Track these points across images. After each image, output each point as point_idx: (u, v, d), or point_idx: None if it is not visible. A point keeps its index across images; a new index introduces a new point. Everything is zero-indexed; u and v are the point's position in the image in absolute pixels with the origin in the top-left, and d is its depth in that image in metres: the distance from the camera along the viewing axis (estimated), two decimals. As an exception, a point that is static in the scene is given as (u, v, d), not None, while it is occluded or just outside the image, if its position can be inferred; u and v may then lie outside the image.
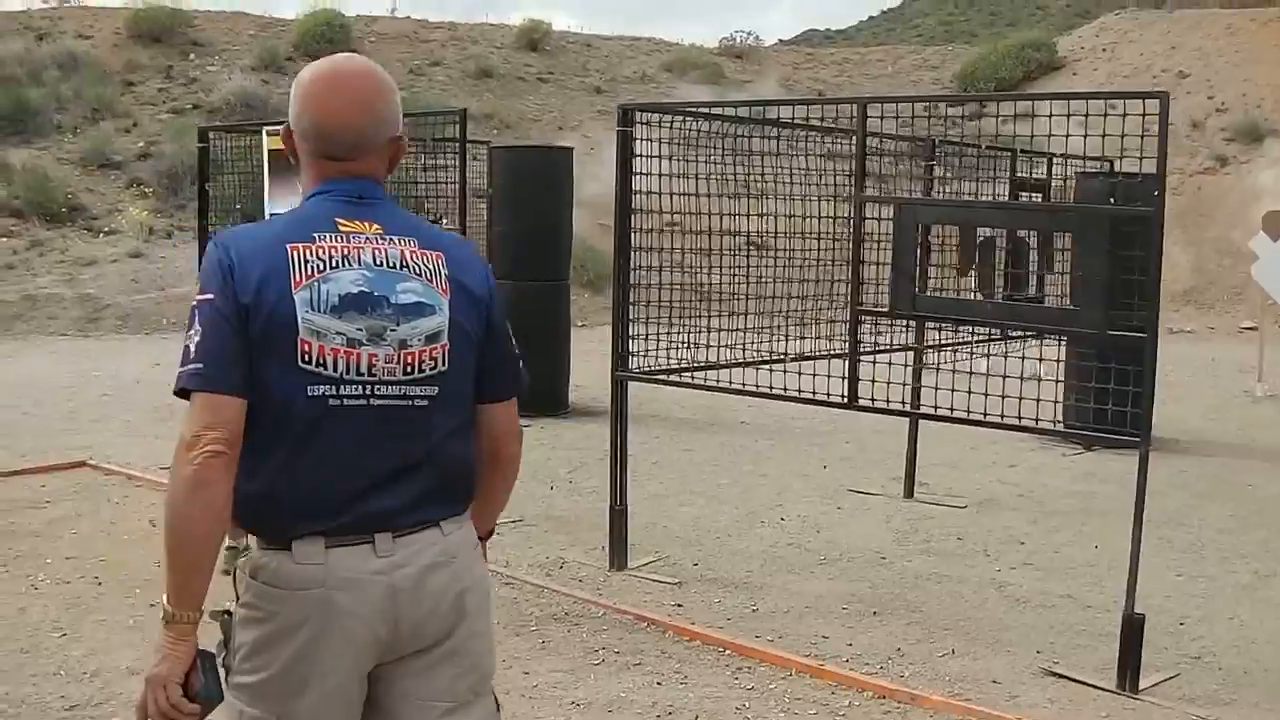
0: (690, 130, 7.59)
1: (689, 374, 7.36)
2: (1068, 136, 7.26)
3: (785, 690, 5.65)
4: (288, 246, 2.64)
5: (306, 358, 2.59)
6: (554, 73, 30.53)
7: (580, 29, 34.95)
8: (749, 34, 36.85)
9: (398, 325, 2.67)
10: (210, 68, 27.04)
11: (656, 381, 7.55)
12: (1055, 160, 10.34)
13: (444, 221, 7.70)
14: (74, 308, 18.87)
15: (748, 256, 8.00)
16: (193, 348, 2.56)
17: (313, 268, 2.63)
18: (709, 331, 7.52)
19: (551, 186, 12.32)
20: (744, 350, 7.47)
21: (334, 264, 2.65)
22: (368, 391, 2.65)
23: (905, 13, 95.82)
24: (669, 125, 7.38)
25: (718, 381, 7.24)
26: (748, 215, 7.79)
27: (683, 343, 7.47)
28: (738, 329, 7.56)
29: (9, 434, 10.88)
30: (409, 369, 2.69)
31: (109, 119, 24.50)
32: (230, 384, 2.54)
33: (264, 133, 9.10)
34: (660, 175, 7.27)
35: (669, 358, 7.45)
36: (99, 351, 16.72)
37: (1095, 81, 29.94)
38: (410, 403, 2.70)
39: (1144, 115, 5.67)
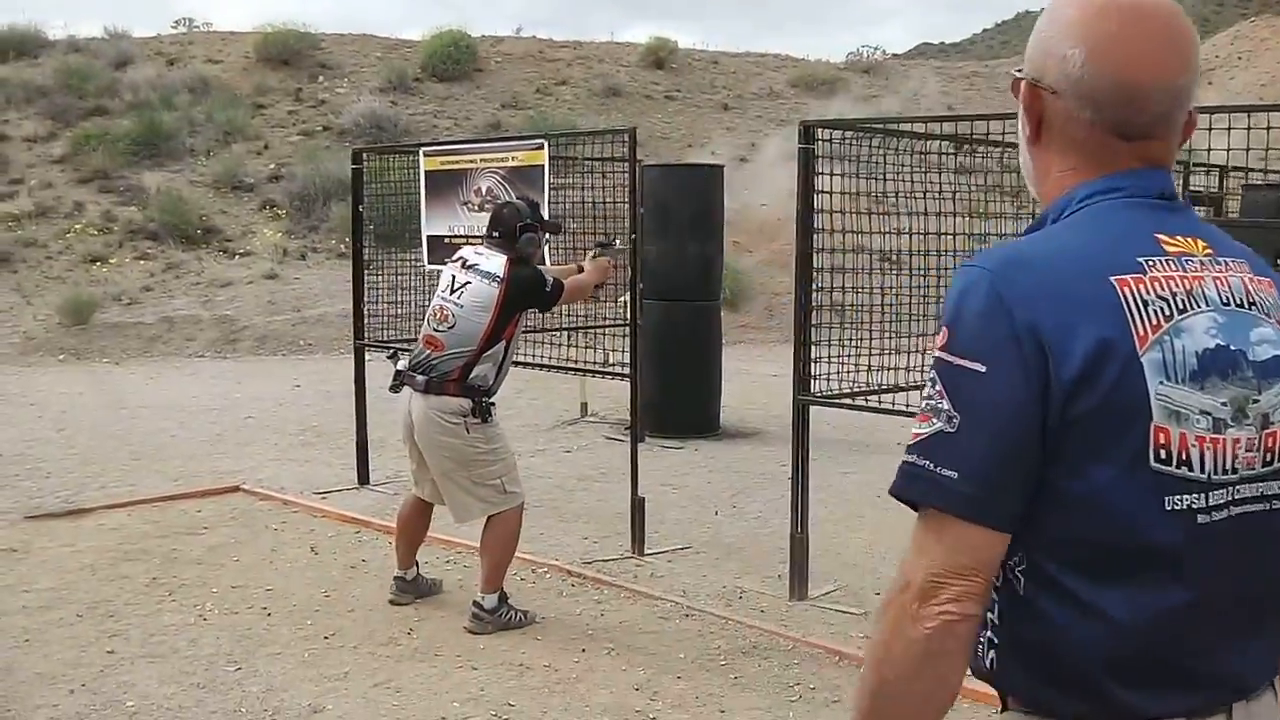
0: (858, 147, 7.33)
1: (874, 398, 7.07)
2: (1230, 150, 6.97)
3: (995, 733, 5.35)
4: (1114, 281, 1.74)
5: (1163, 454, 1.71)
6: (680, 90, 30.38)
7: (705, 46, 34.86)
8: (875, 48, 36.59)
9: (1260, 394, 1.78)
10: (339, 90, 27.24)
11: (840, 406, 7.26)
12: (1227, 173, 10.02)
13: (618, 242, 7.50)
14: (211, 329, 18.99)
15: (925, 274, 7.72)
16: (944, 443, 1.74)
17: (1156, 313, 1.73)
18: (892, 354, 7.26)
19: (703, 206, 12.07)
20: (921, 372, 7.16)
21: (1179, 306, 1.75)
22: (1230, 497, 1.77)
23: (1020, 24, 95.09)
24: (836, 142, 7.13)
25: (906, 405, 6.96)
26: (925, 234, 7.50)
27: (864, 365, 7.21)
28: (917, 350, 7.26)
29: (158, 457, 10.86)
30: (1269, 457, 1.80)
31: (240, 142, 24.76)
32: (1007, 513, 1.72)
33: (420, 153, 8.97)
34: (833, 194, 7.02)
35: (841, 381, 7.20)
36: (238, 373, 16.77)
37: (1232, 90, 29.25)
38: (1268, 506, 1.81)
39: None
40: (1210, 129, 5.89)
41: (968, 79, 35.41)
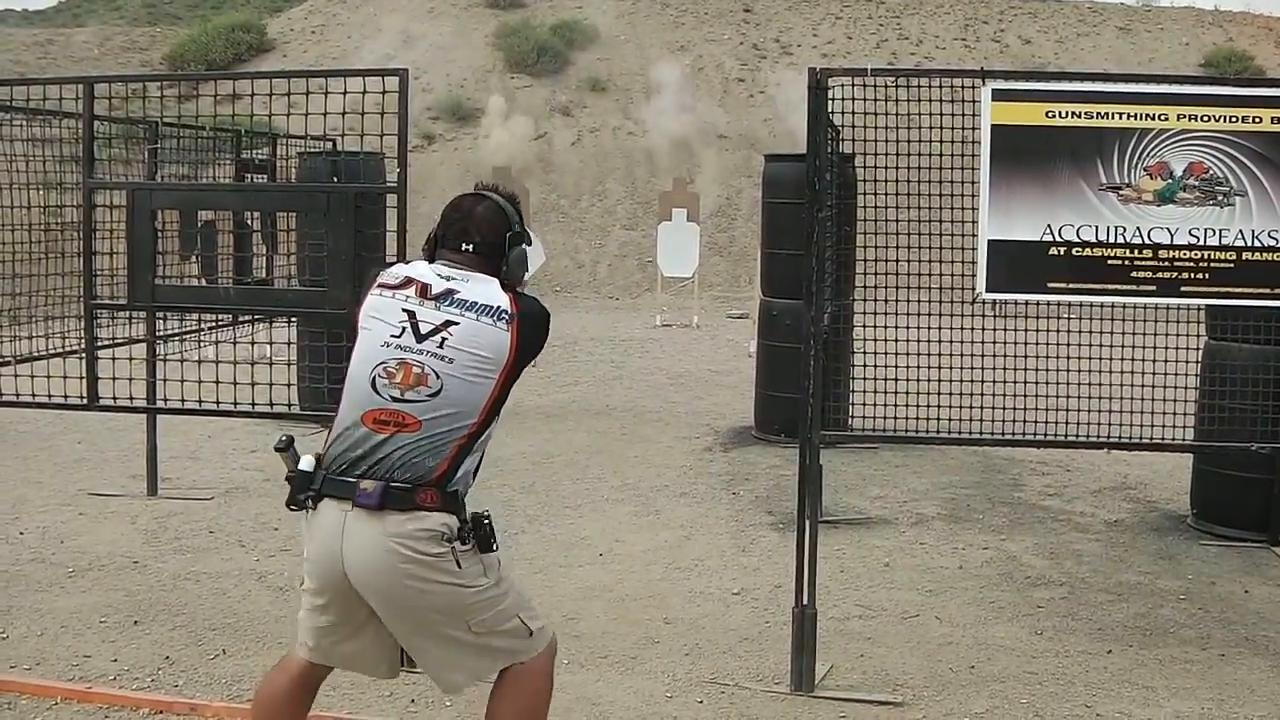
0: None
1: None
2: (308, 115, 7.25)
3: (53, 722, 5.19)
4: None
5: None
6: None
7: None
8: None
9: None
10: None
11: None
12: (279, 140, 10.33)
13: None
14: None
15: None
16: None
17: None
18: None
19: None
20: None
21: None
22: None
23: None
24: None
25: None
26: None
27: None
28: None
29: None
30: None
31: None
32: None
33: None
34: None
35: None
36: None
37: (305, 63, 30.19)
38: None
39: (382, 93, 5.73)
40: (271, 96, 6.03)
41: (43, 46, 34.00)
